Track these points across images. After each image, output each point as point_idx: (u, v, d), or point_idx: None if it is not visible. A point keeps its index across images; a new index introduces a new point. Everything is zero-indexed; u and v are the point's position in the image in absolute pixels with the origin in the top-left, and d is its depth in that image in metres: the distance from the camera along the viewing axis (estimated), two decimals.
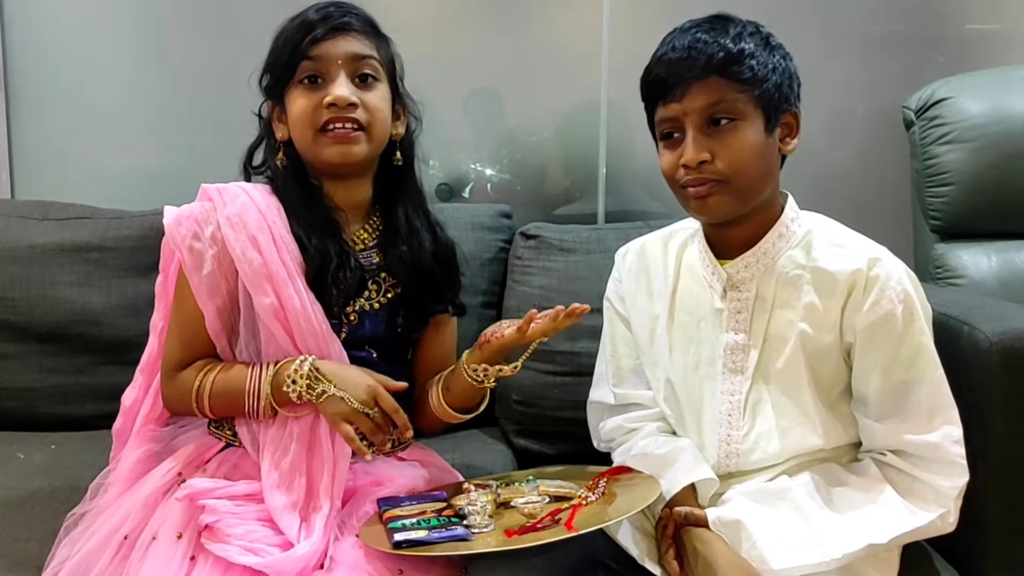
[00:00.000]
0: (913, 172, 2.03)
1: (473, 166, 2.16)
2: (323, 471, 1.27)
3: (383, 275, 1.42)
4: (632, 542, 1.20)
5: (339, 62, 1.34)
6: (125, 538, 1.24)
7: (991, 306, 1.47)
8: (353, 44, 1.36)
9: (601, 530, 1.17)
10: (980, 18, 2.16)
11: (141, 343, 1.44)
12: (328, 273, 1.33)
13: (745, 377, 1.26)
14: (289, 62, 1.35)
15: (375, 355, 1.40)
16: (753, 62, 1.19)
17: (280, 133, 1.39)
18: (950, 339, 1.27)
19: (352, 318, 1.37)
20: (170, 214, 1.36)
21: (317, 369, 1.28)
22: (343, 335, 1.36)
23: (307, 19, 1.36)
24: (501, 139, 2.15)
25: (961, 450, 1.17)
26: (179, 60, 2.07)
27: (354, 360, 1.35)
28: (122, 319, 1.78)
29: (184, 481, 1.29)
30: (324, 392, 1.27)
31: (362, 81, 1.37)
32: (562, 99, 2.12)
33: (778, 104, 1.22)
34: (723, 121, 1.19)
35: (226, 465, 1.33)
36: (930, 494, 1.17)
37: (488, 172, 2.16)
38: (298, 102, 1.35)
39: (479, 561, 1.19)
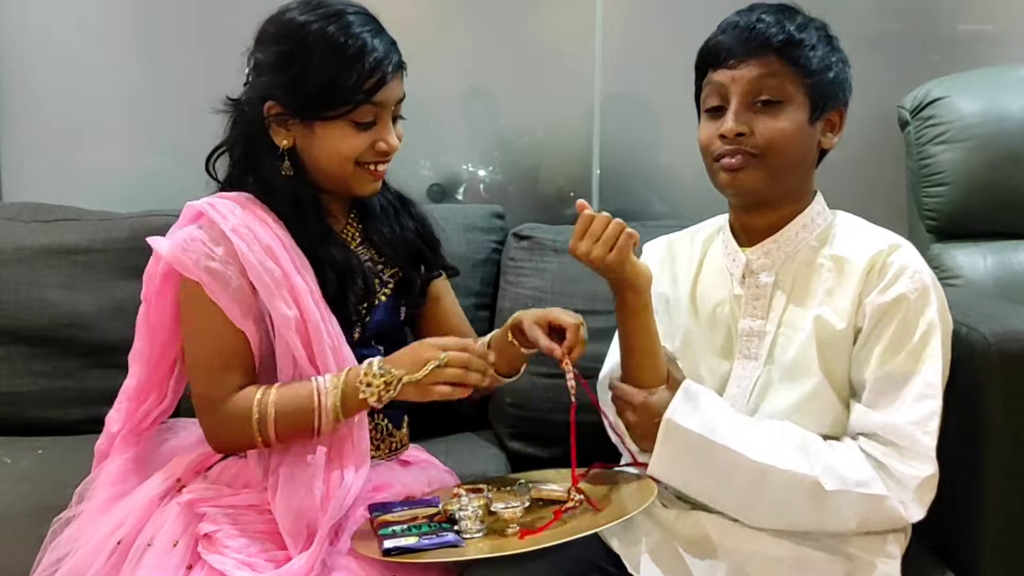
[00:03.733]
0: (908, 172, 2.02)
1: (465, 166, 2.15)
2: (336, 486, 1.24)
3: (379, 266, 1.41)
4: (625, 548, 1.19)
5: (392, 106, 1.32)
6: (119, 543, 1.22)
7: (988, 306, 1.48)
8: (401, 84, 1.33)
9: (596, 534, 1.16)
10: (974, 18, 2.15)
11: (130, 347, 1.40)
12: (347, 288, 1.32)
13: (758, 363, 1.25)
14: (348, 100, 1.27)
15: (382, 349, 1.38)
16: (813, 53, 1.20)
17: (283, 140, 1.31)
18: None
19: (366, 317, 1.36)
20: (165, 243, 1.28)
21: (383, 365, 1.23)
22: (356, 335, 1.35)
23: (376, 58, 1.27)
24: (493, 139, 2.15)
25: (932, 443, 1.15)
26: (168, 62, 2.06)
27: (363, 358, 1.32)
28: (110, 322, 1.77)
29: (183, 488, 1.28)
30: (396, 379, 1.22)
31: (396, 119, 1.35)
32: (555, 99, 2.11)
33: (827, 99, 1.23)
34: (768, 100, 1.20)
35: (227, 473, 1.31)
36: (892, 481, 1.14)
37: (481, 173, 2.15)
38: (346, 140, 1.29)
39: (475, 566, 1.17)
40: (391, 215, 1.44)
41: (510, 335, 1.33)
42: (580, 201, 1.21)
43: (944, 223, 1.94)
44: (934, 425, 1.15)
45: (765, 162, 1.20)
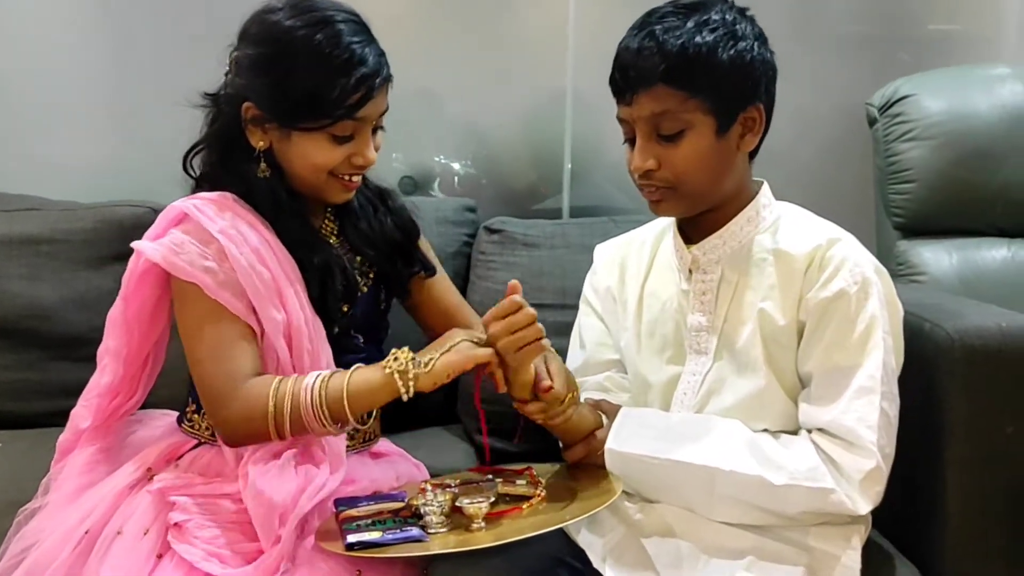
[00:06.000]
0: (876, 169, 2.04)
1: (437, 159, 2.14)
2: (308, 481, 1.24)
3: (358, 259, 1.39)
4: (590, 542, 1.19)
5: (374, 121, 1.29)
6: (86, 533, 1.21)
7: (952, 303, 1.48)
8: (386, 98, 1.29)
9: (561, 529, 1.16)
10: (943, 18, 2.17)
11: (93, 338, 1.38)
12: (327, 290, 1.30)
13: (708, 357, 1.26)
14: (328, 115, 1.23)
15: (362, 341, 1.38)
16: (704, 66, 1.15)
17: (259, 142, 1.28)
18: (911, 336, 1.26)
19: (347, 311, 1.35)
20: (154, 248, 1.23)
21: (413, 357, 1.17)
22: (336, 330, 1.33)
23: (363, 73, 1.23)
24: (465, 133, 2.14)
25: (873, 436, 1.15)
26: (137, 51, 2.02)
27: (343, 350, 1.32)
28: (73, 314, 1.74)
29: (153, 476, 1.27)
30: (431, 360, 1.15)
31: (376, 129, 1.32)
32: (527, 93, 2.11)
33: (734, 105, 1.19)
34: (669, 133, 1.18)
35: (199, 463, 1.30)
36: (840, 475, 1.15)
37: (454, 166, 2.14)
38: (321, 152, 1.26)
39: (439, 561, 1.17)
40: (369, 212, 1.42)
41: None
42: (512, 282, 1.19)
43: (910, 220, 1.96)
44: (875, 418, 1.15)
45: (679, 191, 1.21)
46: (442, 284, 1.52)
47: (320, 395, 1.18)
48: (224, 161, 1.31)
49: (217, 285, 1.22)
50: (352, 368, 1.21)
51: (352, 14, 1.28)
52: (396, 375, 1.16)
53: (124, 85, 2.02)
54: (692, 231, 1.29)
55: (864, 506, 1.15)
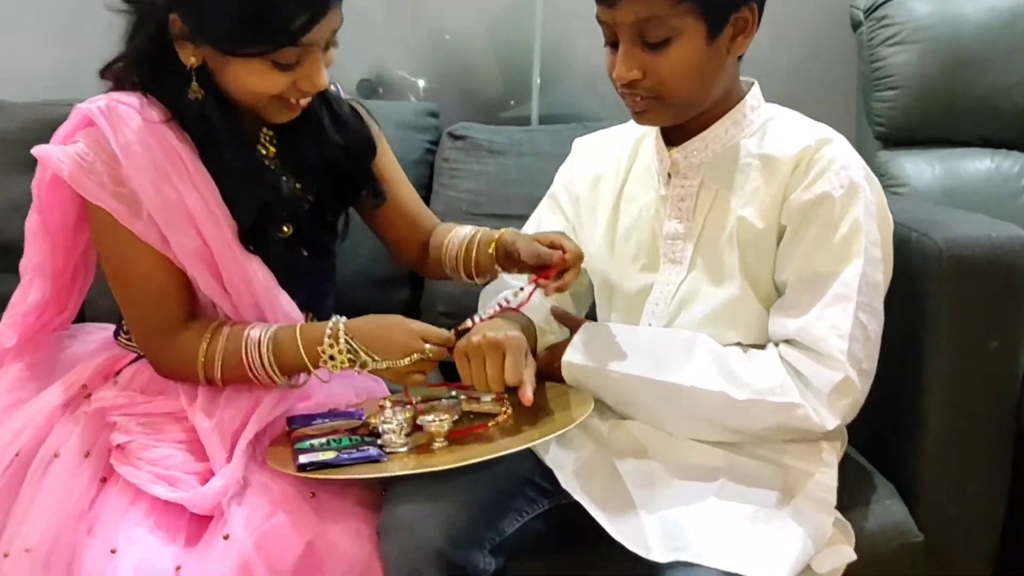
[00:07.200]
0: (859, 75, 1.99)
1: (400, 64, 2.05)
2: (263, 393, 1.19)
3: (297, 186, 1.28)
4: (558, 461, 1.15)
5: (323, 44, 1.14)
6: (17, 455, 1.14)
7: (940, 213, 1.47)
8: (338, 14, 1.14)
9: (528, 448, 1.10)
10: None
11: None
12: (268, 227, 1.21)
13: (683, 267, 1.21)
14: (268, 41, 1.09)
15: (305, 253, 1.30)
16: None
17: (191, 58, 1.14)
18: (898, 246, 1.21)
19: (287, 231, 1.25)
20: (61, 158, 1.14)
21: (351, 340, 1.14)
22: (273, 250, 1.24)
23: None
24: (430, 36, 2.06)
25: (844, 345, 1.09)
26: None
27: (284, 263, 1.23)
28: (5, 220, 1.63)
29: (90, 395, 1.20)
30: (365, 364, 1.14)
31: (326, 47, 1.17)
32: None
33: (727, 6, 1.11)
34: (655, 40, 1.10)
35: (140, 378, 1.23)
36: (807, 388, 1.11)
37: (417, 71, 2.06)
38: (261, 80, 1.13)
39: (399, 481, 1.11)
40: (313, 127, 1.27)
41: (492, 249, 1.28)
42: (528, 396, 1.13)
43: (893, 130, 1.92)
44: (847, 327, 1.10)
45: (665, 101, 1.14)
46: (400, 194, 1.41)
47: (268, 352, 1.16)
48: (147, 81, 1.17)
49: (129, 213, 1.13)
50: (298, 327, 1.18)
51: None
52: (328, 363, 1.16)
53: None
54: (675, 133, 1.23)
55: (832, 421, 1.11)
